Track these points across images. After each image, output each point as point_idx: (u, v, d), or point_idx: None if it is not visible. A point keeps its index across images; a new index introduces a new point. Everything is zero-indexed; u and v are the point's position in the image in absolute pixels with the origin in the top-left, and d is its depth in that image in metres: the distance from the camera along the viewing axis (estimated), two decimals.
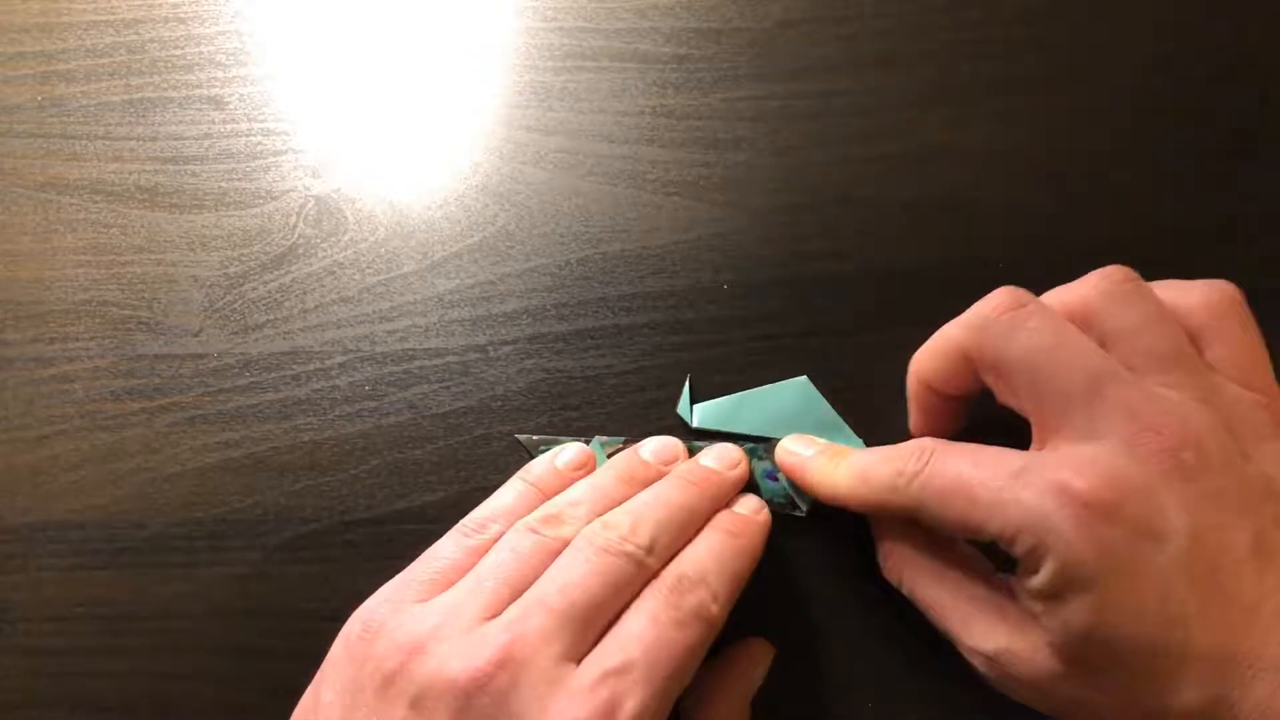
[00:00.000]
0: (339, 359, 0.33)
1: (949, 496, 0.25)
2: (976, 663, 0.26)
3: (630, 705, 0.23)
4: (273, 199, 0.35)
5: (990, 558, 0.28)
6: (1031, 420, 0.26)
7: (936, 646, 0.29)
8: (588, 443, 0.32)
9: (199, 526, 0.32)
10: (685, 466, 0.30)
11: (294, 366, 0.33)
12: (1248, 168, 0.33)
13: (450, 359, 0.33)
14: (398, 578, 0.27)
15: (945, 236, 0.33)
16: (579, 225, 0.34)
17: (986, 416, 0.28)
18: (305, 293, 0.34)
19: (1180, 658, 0.22)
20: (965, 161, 0.34)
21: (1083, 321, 0.26)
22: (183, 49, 0.36)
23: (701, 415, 0.32)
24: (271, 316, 0.34)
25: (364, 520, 0.32)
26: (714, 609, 0.26)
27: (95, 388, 0.34)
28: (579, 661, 0.24)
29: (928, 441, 0.26)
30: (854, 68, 0.35)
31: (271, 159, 0.35)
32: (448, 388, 0.33)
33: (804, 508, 0.31)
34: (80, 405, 0.33)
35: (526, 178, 0.35)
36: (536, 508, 0.28)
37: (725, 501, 0.29)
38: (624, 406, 0.33)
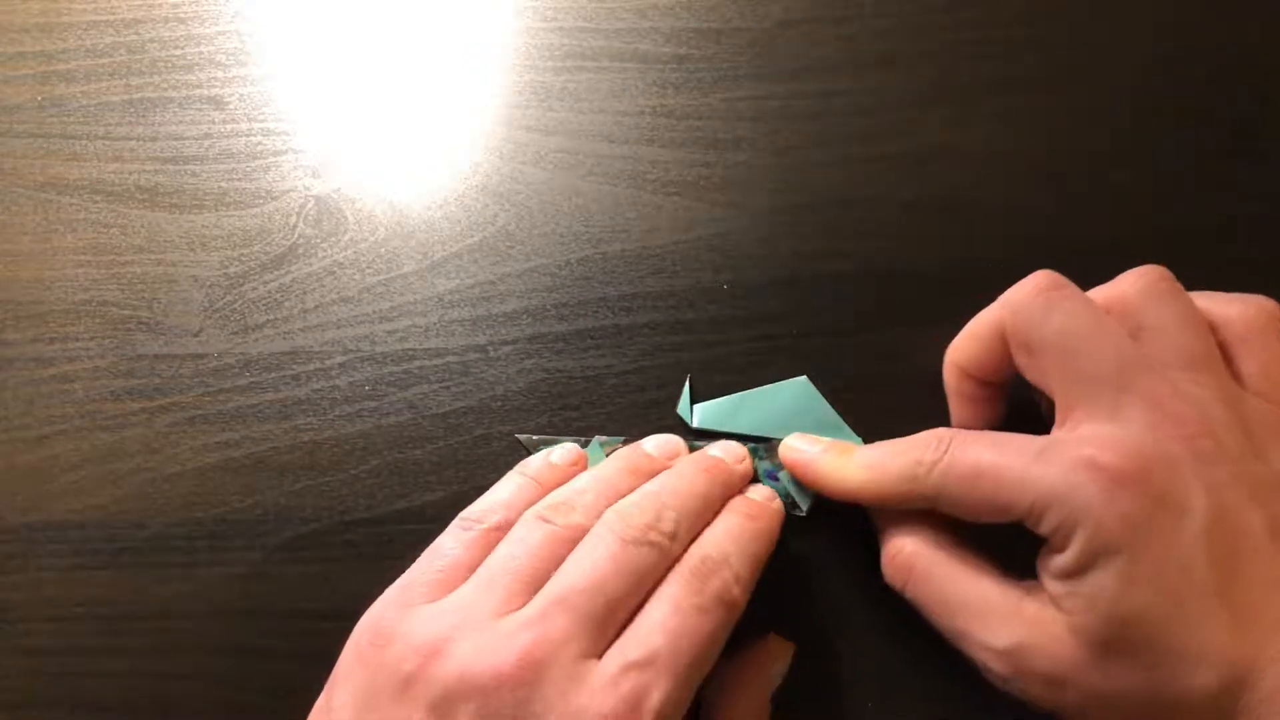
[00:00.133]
0: (339, 359, 0.33)
1: (973, 480, 0.25)
2: (988, 660, 0.26)
3: (655, 696, 0.23)
4: (273, 199, 0.35)
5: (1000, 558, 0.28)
6: (1056, 400, 0.26)
7: (937, 645, 0.29)
8: (587, 443, 0.32)
9: (199, 526, 0.32)
10: (694, 455, 0.30)
11: (294, 366, 0.33)
12: (1248, 168, 0.33)
13: (450, 359, 0.33)
14: (401, 579, 0.27)
15: (945, 236, 0.33)
16: (579, 225, 0.34)
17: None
18: (305, 293, 0.34)
19: (1200, 635, 0.23)
20: (965, 161, 0.34)
21: (1119, 315, 0.27)
22: (183, 49, 0.36)
23: (701, 415, 0.32)
24: (271, 316, 0.34)
25: (364, 520, 0.32)
26: (736, 591, 0.26)
27: (95, 388, 0.34)
28: (601, 654, 0.24)
29: (944, 431, 0.27)
30: (854, 68, 0.35)
31: (271, 159, 0.35)
32: (448, 388, 0.33)
33: (804, 507, 0.31)
34: (80, 405, 0.33)
35: (526, 178, 0.35)
36: (537, 499, 0.28)
37: (735, 493, 0.29)
38: (624, 406, 0.33)
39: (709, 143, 0.34)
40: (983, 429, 0.30)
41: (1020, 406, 0.30)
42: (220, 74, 0.36)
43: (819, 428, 0.31)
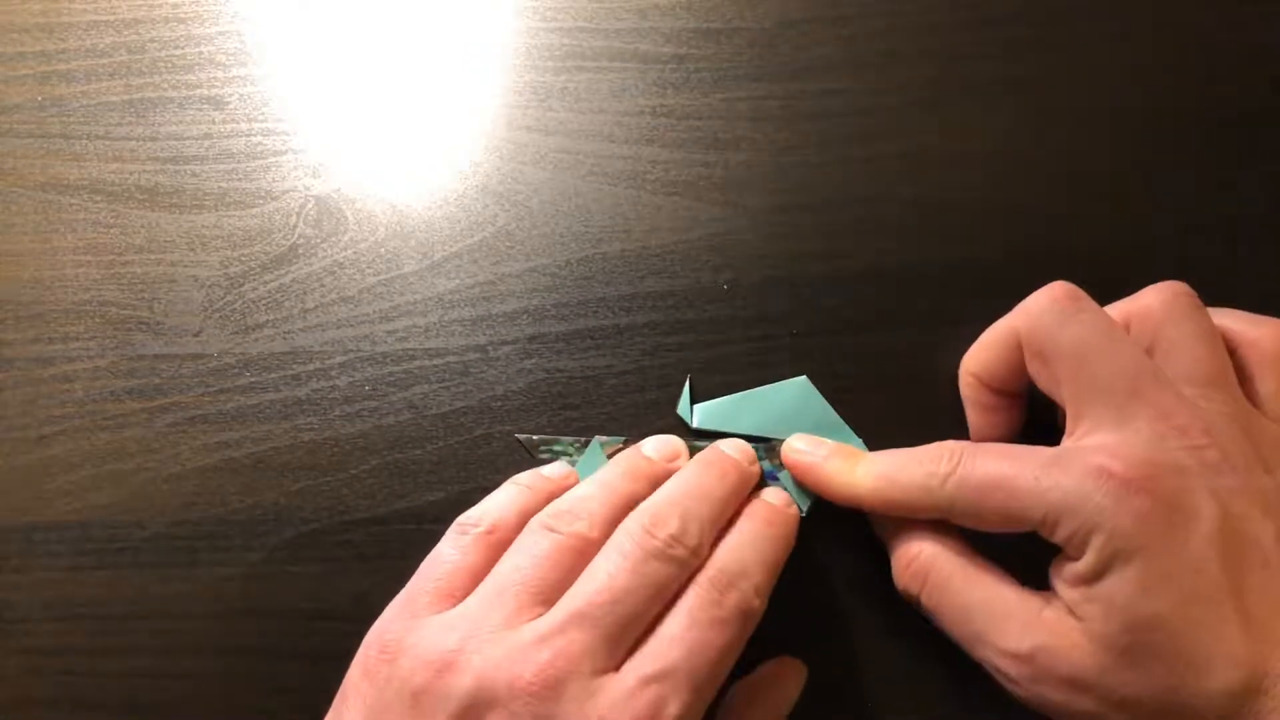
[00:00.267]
0: (339, 359, 0.33)
1: (987, 491, 0.26)
2: (1006, 665, 0.26)
3: (672, 710, 0.23)
4: (273, 199, 0.35)
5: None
6: (1067, 409, 0.27)
7: (936, 646, 0.29)
8: (587, 443, 0.32)
9: (199, 526, 0.32)
10: (710, 455, 0.29)
11: (294, 366, 0.33)
12: (1248, 168, 0.33)
13: (450, 359, 0.33)
14: (404, 591, 0.27)
15: (945, 236, 0.33)
16: (579, 225, 0.34)
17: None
18: (305, 293, 0.34)
19: (1216, 639, 0.23)
20: (965, 161, 0.34)
21: (1138, 328, 0.28)
22: (183, 49, 0.36)
23: (701, 415, 0.32)
24: (271, 316, 0.34)
25: (364, 520, 0.32)
26: (756, 603, 0.26)
27: (95, 388, 0.34)
28: (619, 666, 0.24)
29: (953, 443, 0.27)
30: (854, 68, 0.35)
31: (271, 159, 0.35)
32: (448, 388, 0.33)
33: (804, 509, 0.31)
34: (80, 405, 0.34)
35: (526, 178, 0.35)
36: (533, 505, 0.28)
37: (748, 494, 0.29)
38: (624, 406, 0.33)
39: (709, 143, 0.34)
40: (1001, 437, 0.30)
41: (1039, 416, 0.30)
42: (220, 74, 0.36)
43: (819, 428, 0.31)
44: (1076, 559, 0.25)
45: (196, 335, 0.34)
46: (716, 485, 0.28)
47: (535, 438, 0.32)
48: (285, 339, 0.34)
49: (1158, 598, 0.23)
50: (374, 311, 0.34)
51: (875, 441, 0.31)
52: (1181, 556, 0.23)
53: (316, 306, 0.34)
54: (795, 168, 0.34)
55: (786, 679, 0.29)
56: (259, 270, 0.34)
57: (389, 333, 0.34)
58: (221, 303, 0.34)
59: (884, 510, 0.28)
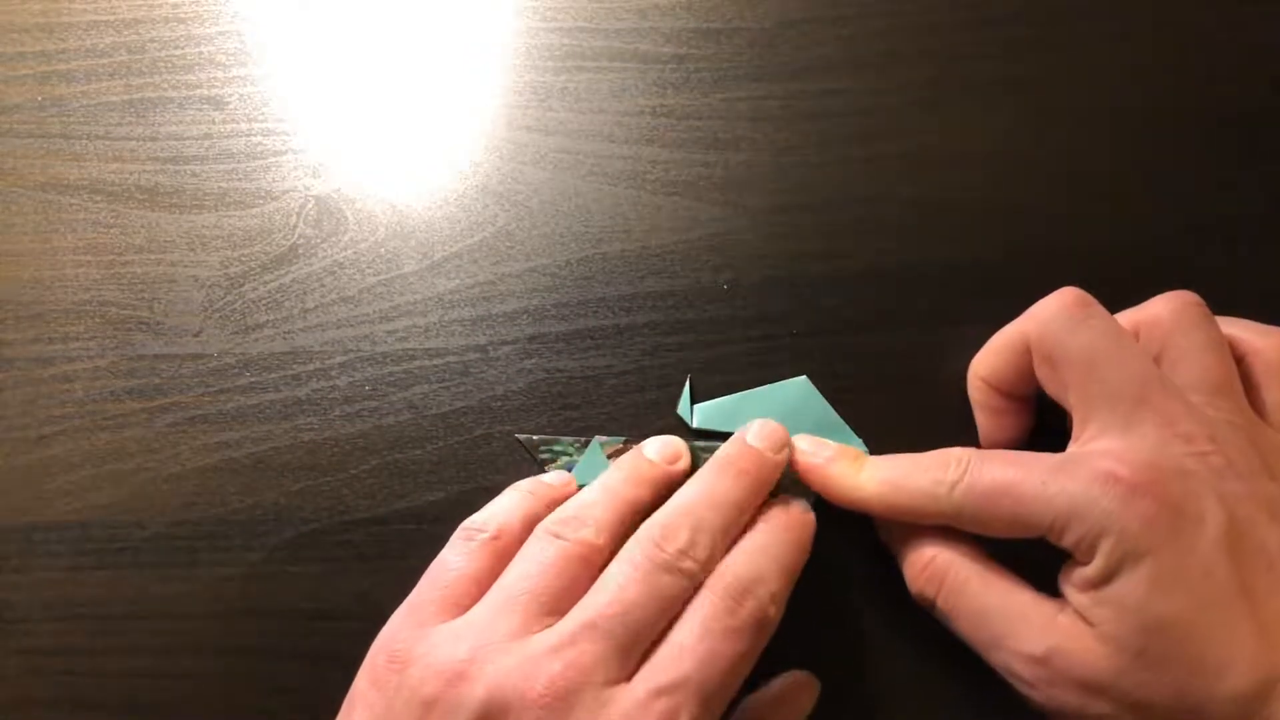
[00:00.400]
0: (339, 359, 0.33)
1: (995, 498, 0.26)
2: (1021, 667, 0.26)
3: None
4: (273, 199, 0.35)
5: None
6: (1074, 414, 0.27)
7: (945, 651, 0.29)
8: (587, 443, 0.32)
9: (199, 526, 0.32)
10: (733, 451, 0.29)
11: (294, 366, 0.33)
12: (1248, 168, 0.33)
13: (450, 359, 0.33)
14: (410, 598, 0.27)
15: (945, 236, 0.33)
16: (579, 225, 0.34)
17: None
18: (305, 293, 0.34)
19: (1229, 636, 0.23)
20: (965, 161, 0.34)
21: (1146, 337, 0.28)
22: (183, 49, 0.36)
23: (701, 415, 0.32)
24: (271, 316, 0.34)
25: (364, 520, 0.32)
26: (771, 611, 0.25)
27: (95, 388, 0.34)
28: (629, 677, 0.24)
29: (959, 450, 0.27)
30: (854, 68, 0.35)
31: (271, 159, 0.35)
32: (448, 388, 0.33)
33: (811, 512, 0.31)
34: (80, 405, 0.34)
35: (526, 178, 0.35)
36: (536, 510, 0.28)
37: (771, 488, 0.29)
38: (624, 406, 0.33)
39: (709, 143, 0.34)
40: (1010, 441, 0.30)
41: (1048, 421, 0.30)
42: (220, 74, 0.36)
43: (819, 428, 0.31)
44: (1085, 564, 0.25)
45: (196, 335, 0.34)
46: (731, 489, 0.27)
47: (535, 438, 0.32)
48: (285, 339, 0.34)
49: (1168, 600, 0.23)
50: (374, 311, 0.34)
51: (875, 442, 0.31)
52: (1190, 559, 0.24)
53: (316, 306, 0.34)
54: (795, 168, 0.34)
55: (799, 695, 0.29)
56: (259, 270, 0.34)
57: (389, 333, 0.34)
58: (221, 303, 0.34)
59: (888, 515, 0.28)
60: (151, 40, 0.37)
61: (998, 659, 0.26)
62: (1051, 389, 0.28)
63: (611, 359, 0.33)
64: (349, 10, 0.37)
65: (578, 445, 0.32)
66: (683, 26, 0.36)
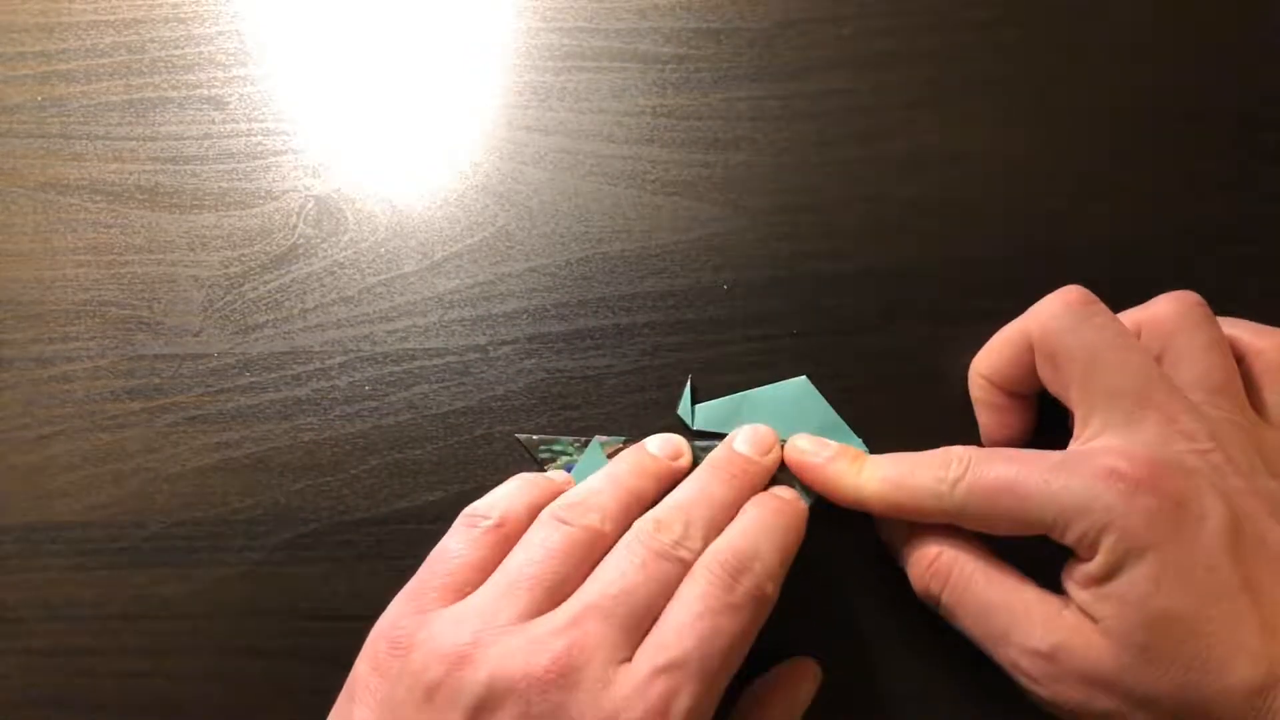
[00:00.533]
0: (339, 359, 0.33)
1: (996, 496, 0.26)
2: (1027, 662, 0.26)
3: (684, 701, 0.23)
4: (273, 199, 0.35)
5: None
6: (1075, 411, 0.27)
7: (935, 646, 0.29)
8: (587, 443, 0.32)
9: (199, 526, 0.32)
10: (723, 455, 0.29)
11: (294, 366, 0.33)
12: (1248, 168, 0.33)
13: (450, 359, 0.33)
14: (411, 584, 0.27)
15: (945, 236, 0.33)
16: (579, 225, 0.34)
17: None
18: (305, 293, 0.34)
19: (1234, 630, 0.23)
20: (965, 161, 0.34)
21: (1149, 336, 0.28)
22: (183, 49, 0.36)
23: (702, 416, 0.32)
24: (271, 316, 0.34)
25: (364, 520, 0.32)
26: (769, 588, 0.26)
27: (95, 388, 0.34)
28: (631, 656, 0.24)
29: (960, 449, 0.27)
30: (854, 68, 0.35)
31: (271, 159, 0.35)
32: (448, 388, 0.33)
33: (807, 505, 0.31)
34: (80, 405, 0.34)
35: (526, 178, 0.35)
36: (540, 498, 0.28)
37: (760, 490, 0.29)
38: (624, 406, 0.33)
39: (709, 143, 0.34)
40: (1012, 439, 0.30)
41: (1049, 419, 0.30)
42: (220, 74, 0.36)
43: (819, 428, 0.31)
44: (1088, 560, 0.25)
45: (196, 335, 0.34)
46: (721, 490, 0.28)
47: (535, 438, 0.32)
48: (285, 339, 0.34)
49: (1171, 595, 0.24)
50: (374, 311, 0.34)
51: (876, 442, 0.31)
52: (1193, 553, 0.24)
53: (316, 306, 0.34)
54: (795, 168, 0.34)
55: (800, 680, 0.29)
56: (259, 270, 0.34)
57: (389, 333, 0.34)
58: (221, 303, 0.34)
59: (890, 514, 0.28)
60: (151, 40, 0.37)
61: (1002, 654, 0.26)
62: (1053, 387, 0.28)
63: (611, 359, 0.33)
64: (349, 10, 0.37)
65: (578, 445, 0.32)
66: (683, 26, 0.36)
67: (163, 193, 0.35)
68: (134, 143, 0.36)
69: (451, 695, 0.24)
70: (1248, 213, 0.33)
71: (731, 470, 0.29)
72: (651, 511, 0.27)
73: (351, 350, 0.33)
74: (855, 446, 0.31)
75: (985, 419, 0.31)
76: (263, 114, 0.36)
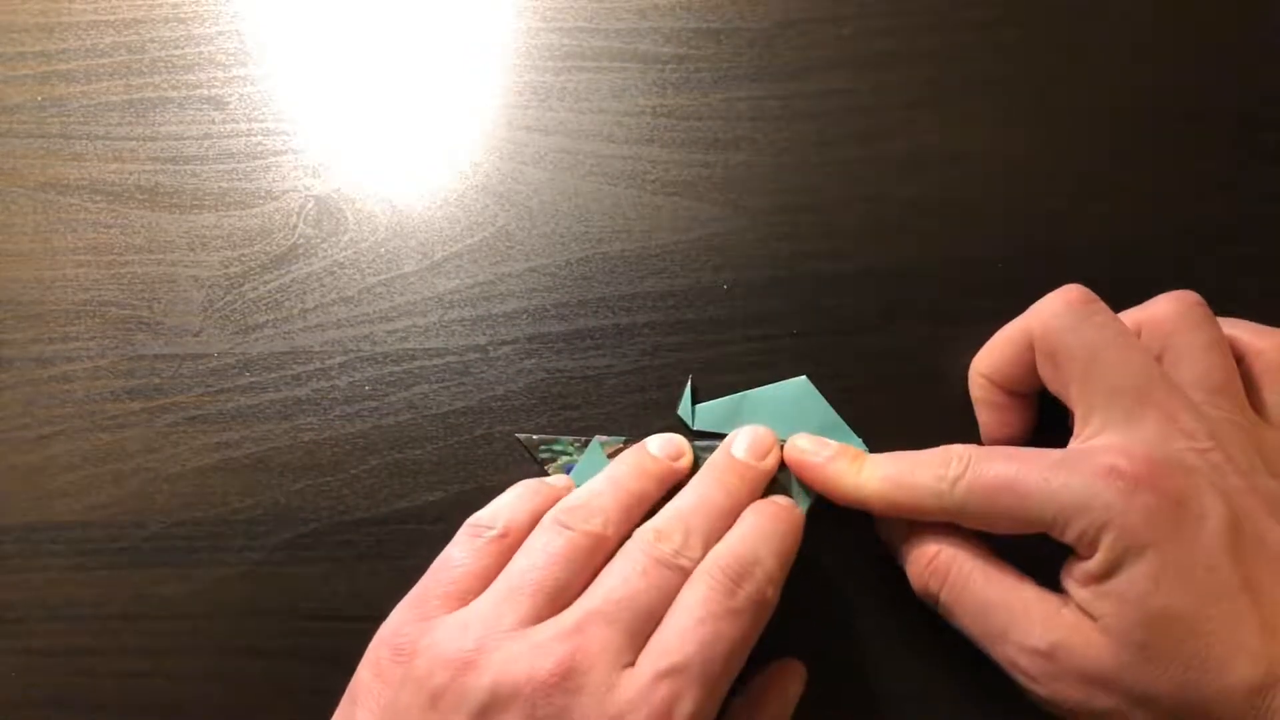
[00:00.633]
0: (339, 359, 0.33)
1: (996, 494, 0.26)
2: (1025, 661, 0.26)
3: (685, 705, 0.23)
4: (273, 199, 0.35)
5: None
6: (1075, 410, 0.27)
7: (935, 645, 0.29)
8: (587, 443, 0.32)
9: (199, 526, 0.32)
10: (721, 461, 0.29)
11: (294, 366, 0.33)
12: (1248, 168, 0.33)
13: (450, 359, 0.33)
14: (414, 592, 0.27)
15: (945, 236, 0.33)
16: (579, 225, 0.34)
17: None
18: (305, 293, 0.34)
19: (1233, 630, 0.23)
20: (965, 161, 0.34)
21: (1148, 336, 0.28)
22: (183, 49, 0.36)
23: (702, 416, 0.32)
24: (271, 316, 0.34)
25: (364, 520, 0.32)
26: (769, 592, 0.26)
27: (95, 388, 0.34)
28: (633, 663, 0.24)
29: (960, 447, 0.27)
30: (854, 68, 0.35)
31: (271, 159, 0.35)
32: (448, 388, 0.33)
33: (803, 508, 0.31)
34: (80, 405, 0.34)
35: (526, 178, 0.35)
36: (543, 506, 0.28)
37: (760, 494, 0.29)
38: (624, 406, 0.33)
39: (709, 143, 0.34)
40: (1012, 438, 0.30)
41: (1049, 418, 0.30)
42: (220, 74, 0.36)
43: (819, 428, 0.31)
44: (1088, 558, 0.25)
45: (196, 335, 0.34)
46: (720, 497, 0.28)
47: (535, 437, 0.32)
48: (285, 339, 0.34)
49: (1171, 593, 0.24)
50: (374, 311, 0.34)
51: (876, 442, 0.31)
52: (1193, 552, 0.24)
53: (316, 306, 0.34)
54: (795, 168, 0.34)
55: (787, 683, 0.29)
56: (259, 270, 0.34)
57: (389, 333, 0.34)
58: (221, 303, 0.34)
59: (890, 513, 0.28)
60: (151, 40, 0.37)
61: (1001, 653, 0.26)
62: (1054, 385, 0.28)
63: (611, 359, 0.33)
64: (349, 10, 0.37)
65: (578, 445, 0.32)
66: (683, 26, 0.36)
67: (163, 193, 0.35)
68: (134, 143, 0.36)
69: (456, 700, 0.24)
70: (1248, 213, 0.33)
71: (730, 477, 0.29)
72: (651, 521, 0.27)
73: (351, 350, 0.33)
74: (855, 446, 0.31)
75: (985, 418, 0.31)
76: (263, 114, 0.36)
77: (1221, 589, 0.23)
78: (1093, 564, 0.25)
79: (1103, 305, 0.27)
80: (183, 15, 0.37)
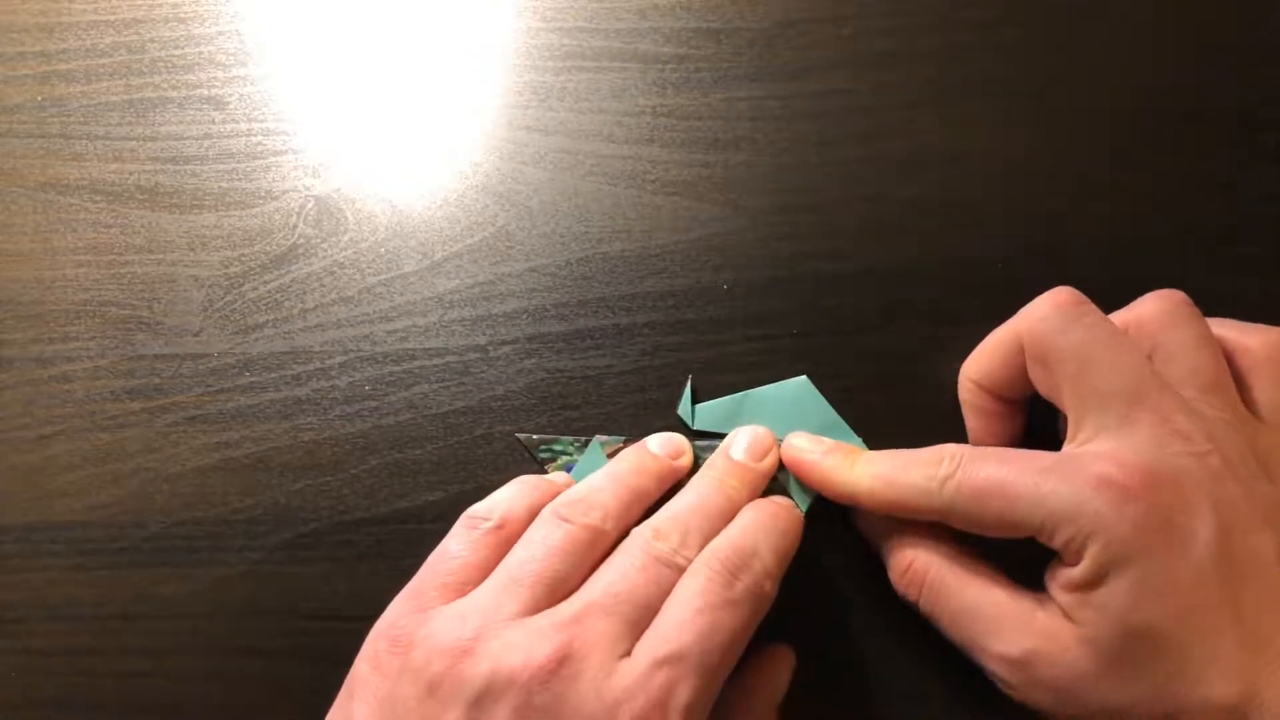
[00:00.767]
0: (339, 359, 0.33)
1: (985, 497, 0.26)
2: (1000, 669, 0.26)
3: (683, 694, 0.23)
4: (273, 199, 0.35)
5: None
6: (1068, 414, 0.27)
7: (934, 645, 0.29)
8: (587, 443, 0.32)
9: (199, 526, 0.32)
10: (720, 463, 0.29)
11: (294, 366, 0.33)
12: (1248, 168, 0.33)
13: (450, 359, 0.33)
14: (411, 585, 0.27)
15: (945, 236, 0.33)
16: (579, 225, 0.34)
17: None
18: (305, 293, 0.34)
19: (1212, 646, 0.23)
20: (965, 161, 0.34)
21: (1136, 336, 0.28)
22: (183, 49, 0.36)
23: (702, 416, 0.32)
24: (271, 316, 0.34)
25: (364, 520, 0.32)
26: (767, 586, 0.26)
27: (95, 388, 0.34)
28: (630, 652, 0.24)
29: (954, 447, 0.27)
30: (854, 68, 0.35)
31: (271, 159, 0.35)
32: (448, 388, 0.33)
33: (803, 508, 0.31)
34: (80, 405, 0.34)
35: (526, 178, 0.35)
36: (540, 500, 0.28)
37: (758, 495, 0.29)
38: (624, 406, 0.33)
39: (709, 143, 0.34)
40: (999, 444, 0.30)
41: (1039, 423, 0.30)
42: (220, 74, 0.36)
43: (819, 428, 0.31)
44: (1073, 565, 0.25)
45: (196, 335, 0.34)
46: (718, 499, 0.28)
47: (535, 437, 0.32)
48: (285, 339, 0.34)
49: (1153, 607, 0.23)
50: (374, 311, 0.34)
51: (875, 441, 0.31)
52: (1179, 566, 0.23)
53: (316, 306, 0.34)
54: (795, 168, 0.34)
55: (778, 666, 0.29)
56: (259, 270, 0.34)
57: (389, 333, 0.34)
58: (221, 303, 0.34)
59: (881, 510, 0.28)
60: (151, 40, 0.37)
61: (978, 659, 0.27)
62: (1045, 389, 0.28)
63: (611, 359, 0.33)
64: (349, 10, 0.37)
65: (578, 445, 0.32)
66: (683, 26, 0.36)
67: (163, 193, 0.35)
68: (134, 143, 0.36)
69: (453, 689, 0.24)
70: (1248, 213, 0.33)
71: (729, 478, 0.29)
72: (648, 521, 0.27)
73: (351, 350, 0.33)
74: (856, 445, 0.31)
75: (973, 423, 0.31)
76: (263, 114, 0.36)
77: (1203, 606, 0.23)
78: (1077, 572, 0.24)
79: (1092, 307, 0.27)
80: (183, 15, 0.37)
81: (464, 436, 0.33)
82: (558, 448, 0.32)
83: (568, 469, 0.32)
